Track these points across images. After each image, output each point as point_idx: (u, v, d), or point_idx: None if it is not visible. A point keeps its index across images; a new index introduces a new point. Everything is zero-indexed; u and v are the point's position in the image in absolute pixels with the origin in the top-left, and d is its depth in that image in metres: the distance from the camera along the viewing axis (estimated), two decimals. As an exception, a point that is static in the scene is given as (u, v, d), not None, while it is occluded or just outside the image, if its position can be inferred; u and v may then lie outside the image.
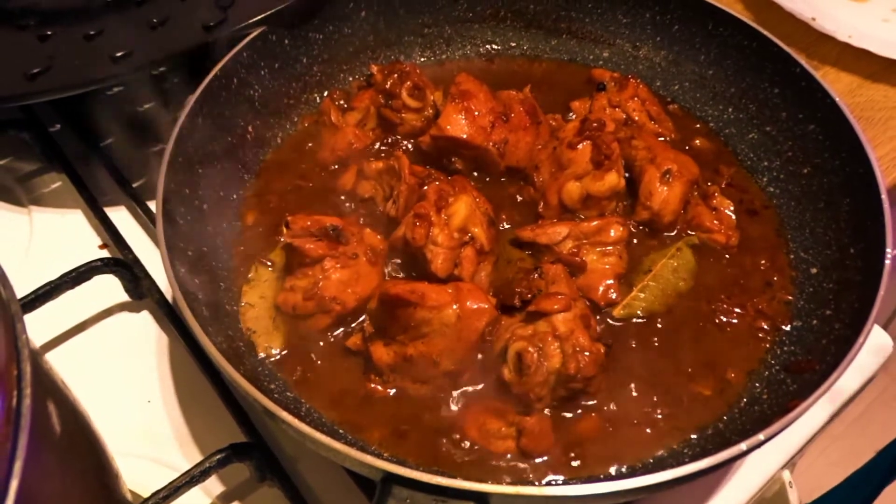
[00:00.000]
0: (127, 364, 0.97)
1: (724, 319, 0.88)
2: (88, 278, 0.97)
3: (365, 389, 0.83)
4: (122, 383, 0.95)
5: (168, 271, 0.80)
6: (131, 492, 0.83)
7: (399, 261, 0.91)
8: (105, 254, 1.06)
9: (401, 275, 0.91)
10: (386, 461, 0.66)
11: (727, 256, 0.94)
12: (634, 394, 0.82)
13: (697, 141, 1.06)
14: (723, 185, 1.00)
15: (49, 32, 1.06)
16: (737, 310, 0.89)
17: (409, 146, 1.04)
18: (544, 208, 0.95)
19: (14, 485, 0.42)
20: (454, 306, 0.79)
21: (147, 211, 1.08)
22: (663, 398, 0.82)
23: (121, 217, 1.10)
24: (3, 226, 1.13)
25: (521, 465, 0.77)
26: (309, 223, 0.87)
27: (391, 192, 0.94)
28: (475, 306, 0.80)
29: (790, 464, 0.96)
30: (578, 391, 0.80)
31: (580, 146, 0.93)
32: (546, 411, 0.79)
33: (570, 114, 1.08)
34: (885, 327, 1.01)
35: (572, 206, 0.93)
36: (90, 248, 1.08)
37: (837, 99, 0.93)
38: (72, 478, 0.56)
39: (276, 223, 0.95)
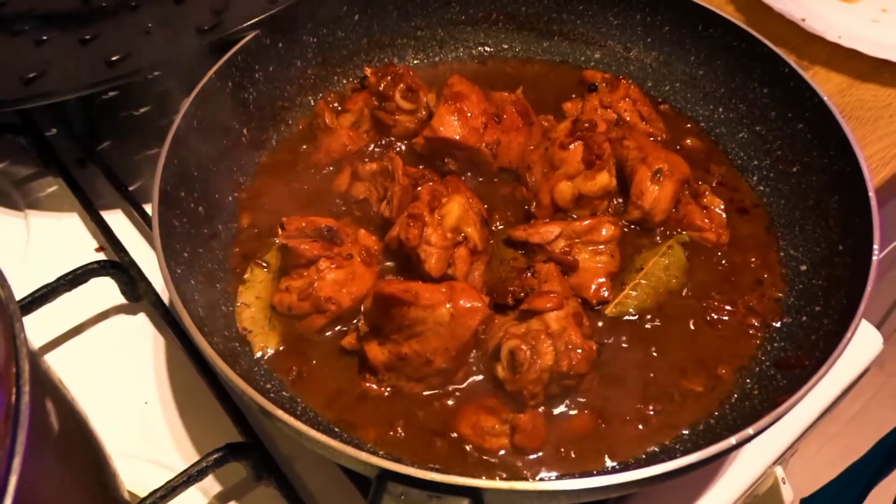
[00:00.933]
0: (124, 366, 0.97)
1: (716, 317, 0.89)
2: (85, 281, 0.97)
3: (360, 388, 0.84)
4: (119, 385, 0.95)
5: (164, 273, 0.80)
6: (129, 492, 0.84)
7: (393, 261, 0.92)
8: (101, 256, 1.07)
9: (395, 275, 0.92)
10: (381, 458, 0.67)
11: (718, 254, 0.95)
12: (626, 391, 0.83)
13: (688, 140, 1.07)
14: (713, 184, 1.01)
15: (45, 37, 1.07)
16: (728, 307, 0.90)
17: (403, 147, 1.05)
18: (537, 208, 0.96)
19: (13, 480, 0.42)
20: (448, 305, 0.80)
21: (143, 214, 1.08)
22: (655, 395, 0.83)
23: (117, 220, 1.11)
24: (0, 230, 1.13)
25: (515, 462, 0.78)
26: (304, 224, 0.88)
27: (385, 193, 0.95)
28: (469, 305, 0.80)
29: (782, 460, 0.97)
30: (571, 388, 0.81)
31: (572, 146, 0.94)
32: (539, 408, 0.80)
33: (563, 115, 1.09)
34: (878, 327, 1.02)
35: (564, 205, 0.94)
36: (87, 251, 1.09)
37: (825, 98, 0.95)
38: (70, 475, 0.56)
39: (272, 224, 0.96)
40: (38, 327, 0.99)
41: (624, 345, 0.87)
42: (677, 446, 0.79)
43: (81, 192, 1.12)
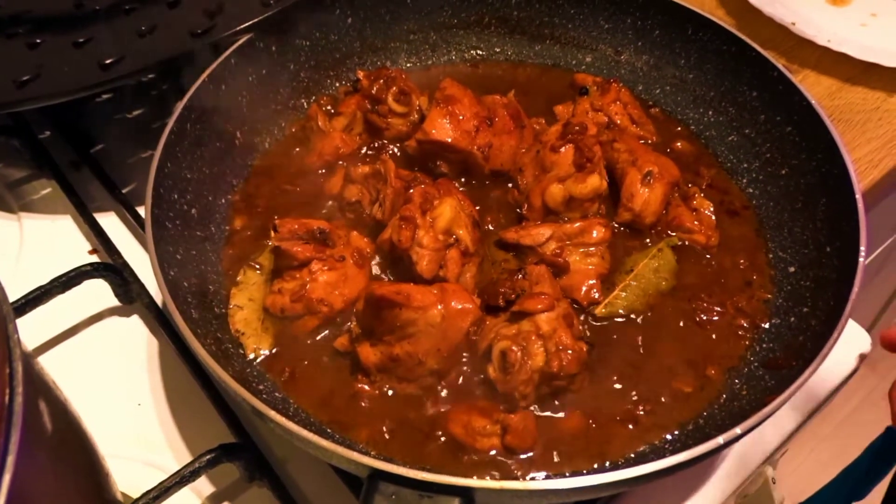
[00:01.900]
0: (117, 367, 0.98)
1: (705, 318, 0.90)
2: (78, 283, 0.98)
3: (352, 389, 0.84)
4: (112, 386, 0.96)
5: (157, 275, 0.81)
6: (122, 493, 0.84)
7: (385, 263, 0.92)
8: (95, 259, 1.07)
9: (387, 276, 0.92)
10: (372, 458, 0.68)
11: (707, 256, 0.96)
12: (617, 391, 0.84)
13: (678, 143, 1.08)
14: (703, 187, 1.02)
15: (38, 40, 1.07)
16: (717, 308, 0.91)
17: (396, 150, 1.05)
18: (528, 210, 0.96)
19: (7, 478, 0.43)
20: (439, 307, 0.80)
21: (136, 216, 1.09)
22: (645, 395, 0.84)
23: (110, 222, 1.11)
24: (-6, 232, 1.14)
25: (506, 462, 0.78)
26: (296, 226, 0.88)
27: (377, 196, 0.96)
28: (460, 306, 0.81)
29: (772, 460, 0.98)
30: (562, 389, 0.81)
31: (563, 149, 0.95)
32: (530, 409, 0.81)
33: (554, 118, 1.10)
34: (869, 329, 1.03)
35: (555, 208, 0.95)
36: (80, 253, 1.09)
37: (813, 102, 0.96)
38: (63, 476, 0.57)
39: (265, 227, 0.96)
40: (31, 329, 0.99)
41: (614, 346, 0.87)
42: (666, 446, 0.80)
43: (75, 194, 1.12)
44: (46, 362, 0.97)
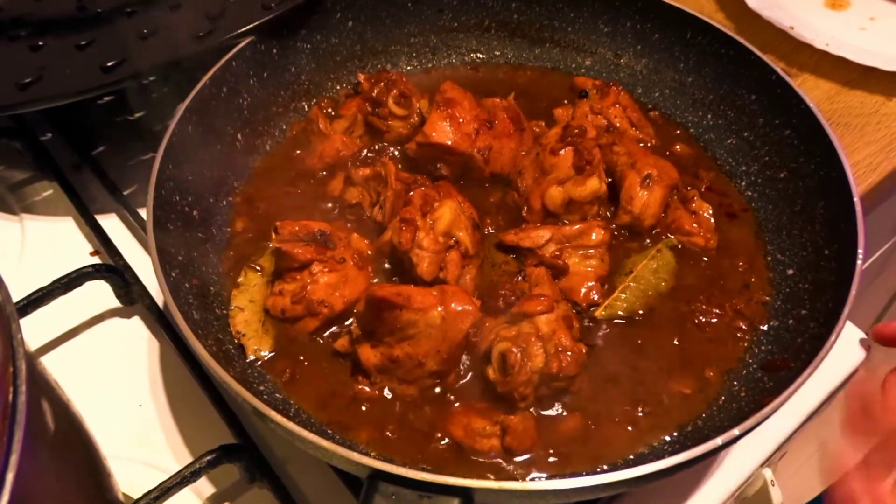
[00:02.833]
0: (118, 369, 0.98)
1: (704, 320, 0.91)
2: (80, 284, 0.98)
3: (353, 390, 0.84)
4: (113, 387, 0.96)
5: (158, 277, 0.81)
6: (123, 493, 0.84)
7: (386, 264, 0.93)
8: (96, 260, 1.08)
9: (387, 278, 0.92)
10: (372, 459, 0.68)
11: (706, 259, 0.96)
12: (616, 392, 0.84)
13: (677, 146, 1.09)
14: (702, 190, 1.02)
15: (40, 42, 1.08)
16: (716, 310, 0.91)
17: (396, 153, 1.05)
18: (528, 213, 0.97)
19: (10, 477, 0.43)
20: (439, 308, 0.81)
21: (138, 218, 1.09)
22: (644, 397, 0.84)
23: (112, 224, 1.11)
24: (-5, 234, 1.14)
25: (506, 463, 0.79)
26: (297, 228, 0.88)
27: (378, 198, 0.96)
28: (460, 308, 0.81)
29: (771, 462, 0.98)
30: (561, 390, 0.82)
31: (562, 152, 0.95)
32: (530, 410, 0.81)
33: (554, 121, 1.10)
34: (867, 333, 1.03)
35: (555, 210, 0.95)
36: (81, 254, 1.10)
37: (812, 105, 0.96)
38: (66, 475, 0.57)
39: (265, 229, 0.96)
40: (33, 330, 0.99)
41: (613, 347, 0.87)
42: (665, 447, 0.80)
43: (76, 196, 1.13)
44: (48, 363, 0.96)
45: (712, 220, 0.98)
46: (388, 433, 0.81)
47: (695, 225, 0.96)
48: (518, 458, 0.79)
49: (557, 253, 0.92)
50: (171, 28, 1.04)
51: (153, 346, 1.00)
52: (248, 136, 1.07)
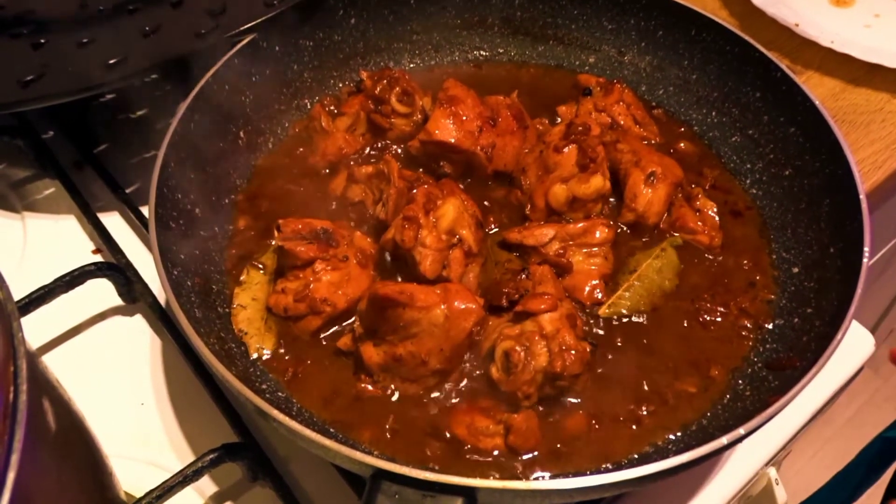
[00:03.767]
0: (120, 367, 0.98)
1: (708, 318, 0.90)
2: (82, 282, 0.98)
3: (355, 389, 0.84)
4: (115, 386, 0.96)
5: (161, 275, 0.81)
6: (125, 492, 0.84)
7: (389, 263, 0.92)
8: (98, 258, 1.07)
9: (390, 277, 0.92)
10: (375, 458, 0.68)
11: (710, 257, 0.95)
12: (620, 391, 0.83)
13: (682, 144, 1.08)
14: (706, 187, 1.02)
15: (42, 40, 1.07)
16: (720, 309, 0.91)
17: (399, 150, 1.05)
18: (531, 211, 0.96)
19: (11, 476, 0.43)
20: (442, 306, 0.80)
21: (140, 216, 1.09)
22: (648, 396, 0.84)
23: (114, 222, 1.11)
24: (-3, 232, 1.14)
25: (509, 462, 0.78)
26: (300, 226, 0.88)
27: (381, 196, 0.96)
28: (463, 306, 0.81)
29: (775, 461, 0.98)
30: (565, 389, 0.81)
31: (566, 150, 0.95)
32: (533, 409, 0.81)
33: (557, 118, 1.10)
34: (873, 330, 1.03)
35: (559, 208, 0.95)
36: (84, 252, 1.10)
37: (817, 102, 0.95)
38: (67, 474, 0.57)
39: (268, 227, 0.96)
40: (35, 328, 0.99)
41: (617, 346, 0.87)
42: (670, 446, 0.80)
43: (78, 194, 1.13)
44: (50, 361, 0.96)
45: (717, 218, 0.97)
46: (390, 432, 0.81)
47: (699, 223, 0.96)
48: (522, 458, 0.79)
49: (561, 251, 0.91)
50: (172, 25, 1.04)
51: (155, 344, 1.00)
52: (250, 134, 1.07)
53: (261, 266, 0.94)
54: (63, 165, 1.17)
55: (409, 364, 0.81)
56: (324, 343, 0.88)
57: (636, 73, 1.17)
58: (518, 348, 0.78)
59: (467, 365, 0.84)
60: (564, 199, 0.94)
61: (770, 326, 0.89)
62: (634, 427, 0.81)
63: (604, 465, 0.79)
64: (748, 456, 0.92)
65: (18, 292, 0.94)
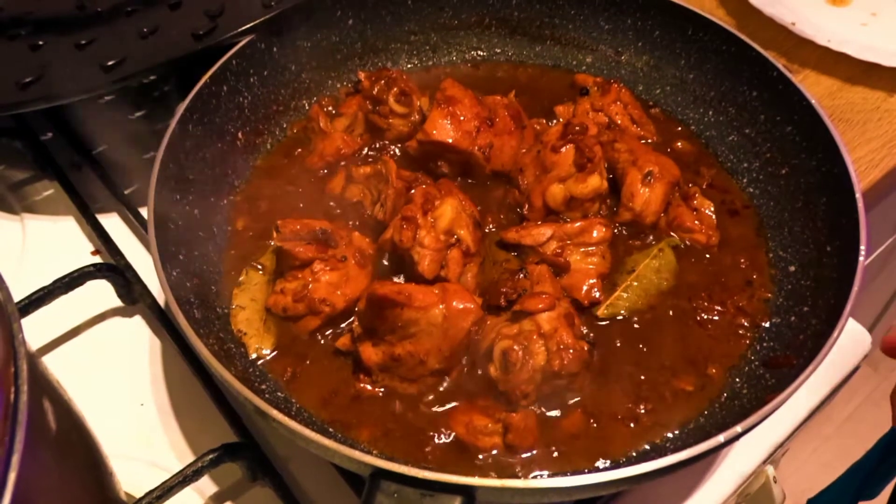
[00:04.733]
0: (120, 367, 0.98)
1: (706, 317, 0.90)
2: (81, 284, 0.98)
3: (354, 389, 0.84)
4: (115, 386, 0.96)
5: (160, 276, 0.81)
6: (125, 492, 0.84)
7: (387, 263, 0.93)
8: (97, 259, 1.08)
9: (389, 277, 0.92)
10: (374, 457, 0.68)
11: (708, 256, 0.96)
12: (618, 390, 0.84)
13: (679, 143, 1.08)
14: (704, 187, 1.02)
15: (41, 42, 1.07)
16: (718, 308, 0.91)
17: (397, 151, 1.05)
18: (529, 210, 0.97)
19: (12, 477, 0.43)
20: (440, 306, 0.81)
21: (139, 217, 1.09)
22: (646, 394, 0.84)
23: (113, 223, 1.11)
24: (-4, 234, 1.14)
25: (508, 461, 0.79)
26: (298, 227, 0.88)
27: (379, 196, 0.96)
28: (461, 306, 0.81)
29: (773, 459, 0.98)
30: (563, 388, 0.81)
31: (563, 149, 0.95)
32: (532, 408, 0.81)
33: (555, 118, 1.10)
34: (870, 329, 1.03)
35: (556, 207, 0.95)
36: (83, 254, 1.10)
37: (813, 101, 0.96)
38: (67, 474, 0.57)
39: (267, 227, 0.96)
40: (34, 330, 0.99)
41: (615, 345, 0.87)
42: (668, 444, 0.80)
43: (77, 195, 1.13)
44: (50, 362, 0.96)
45: (714, 217, 0.97)
46: (389, 431, 0.81)
47: (696, 222, 0.96)
48: (520, 456, 0.79)
49: (559, 250, 0.92)
50: (171, 27, 1.04)
51: (155, 345, 1.00)
52: (248, 135, 1.07)
53: (259, 267, 0.94)
54: (62, 166, 1.17)
55: (407, 364, 0.81)
56: (322, 343, 0.88)
57: (633, 73, 1.17)
58: (516, 347, 0.79)
59: (465, 365, 0.84)
60: (562, 199, 0.95)
61: (767, 325, 0.89)
62: (632, 425, 0.82)
63: (602, 464, 0.79)
64: (746, 454, 0.92)
65: (18, 294, 0.94)
